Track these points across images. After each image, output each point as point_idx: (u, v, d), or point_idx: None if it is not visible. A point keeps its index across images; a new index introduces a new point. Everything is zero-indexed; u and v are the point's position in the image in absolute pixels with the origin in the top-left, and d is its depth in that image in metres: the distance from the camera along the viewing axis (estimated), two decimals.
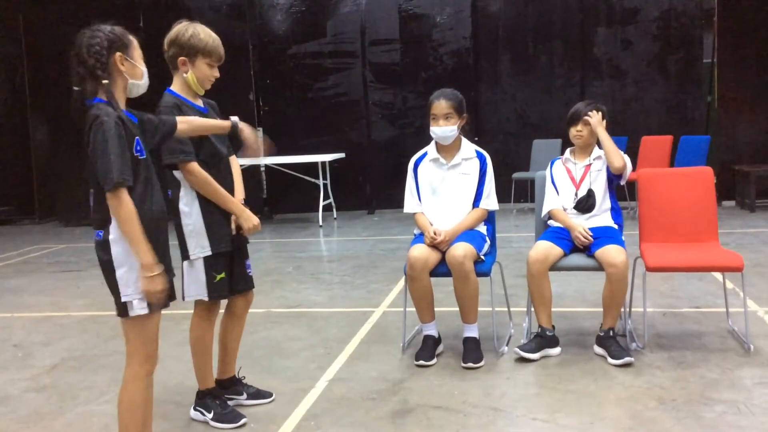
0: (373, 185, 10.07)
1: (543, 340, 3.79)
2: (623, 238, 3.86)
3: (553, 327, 3.85)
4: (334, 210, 9.73)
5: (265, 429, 3.10)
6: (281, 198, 10.28)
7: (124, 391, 2.54)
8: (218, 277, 3.05)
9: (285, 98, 10.13)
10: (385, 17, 9.89)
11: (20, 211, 11.08)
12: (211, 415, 3.15)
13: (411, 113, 9.88)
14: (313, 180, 9.50)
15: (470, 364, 3.67)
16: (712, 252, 3.89)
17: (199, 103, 3.11)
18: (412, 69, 9.90)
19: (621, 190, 4.09)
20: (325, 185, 9.47)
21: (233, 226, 3.10)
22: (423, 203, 3.98)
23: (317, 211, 9.24)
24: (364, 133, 10.09)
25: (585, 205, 3.93)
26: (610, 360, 3.62)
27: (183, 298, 3.01)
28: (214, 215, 3.03)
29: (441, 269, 3.75)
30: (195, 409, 3.22)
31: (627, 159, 3.91)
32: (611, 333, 3.73)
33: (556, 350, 3.82)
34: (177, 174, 3.01)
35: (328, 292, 5.62)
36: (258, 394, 3.41)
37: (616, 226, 3.92)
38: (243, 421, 3.13)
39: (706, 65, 9.52)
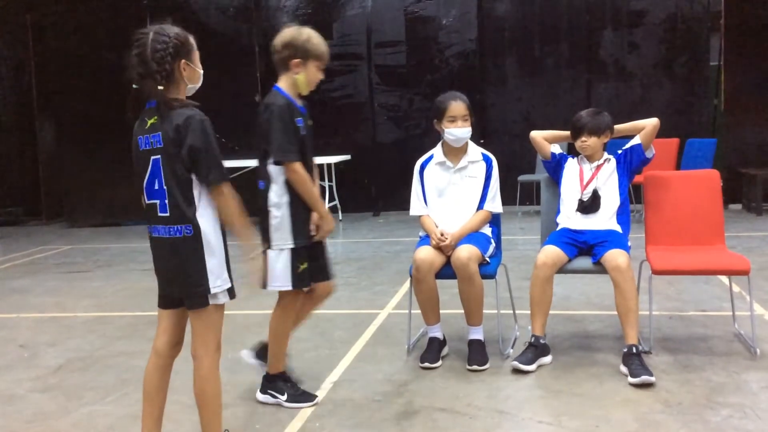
0: (378, 187, 10.07)
1: (537, 349, 3.69)
2: (629, 244, 3.82)
3: (545, 334, 3.78)
4: (340, 212, 9.73)
5: (270, 430, 3.10)
6: None
7: (208, 382, 2.60)
8: (301, 267, 3.20)
9: None
10: (391, 19, 9.89)
11: (27, 212, 11.13)
12: (284, 397, 3.30)
13: (417, 115, 9.88)
14: (318, 182, 9.49)
15: (475, 367, 3.67)
16: (718, 255, 3.88)
17: (301, 104, 3.27)
18: (418, 71, 9.90)
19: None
20: (330, 187, 9.47)
21: (312, 226, 3.24)
22: (429, 206, 3.98)
23: None
24: (369, 135, 10.10)
25: (590, 206, 3.90)
26: (629, 379, 3.41)
27: (265, 287, 3.20)
28: (300, 212, 3.19)
29: (446, 271, 3.74)
30: (265, 393, 3.35)
31: (652, 121, 3.85)
32: (634, 350, 3.51)
33: (549, 358, 3.74)
34: (274, 169, 3.17)
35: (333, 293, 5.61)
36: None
37: (620, 230, 3.88)
38: (317, 399, 3.34)
39: (712, 68, 9.48)
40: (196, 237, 2.49)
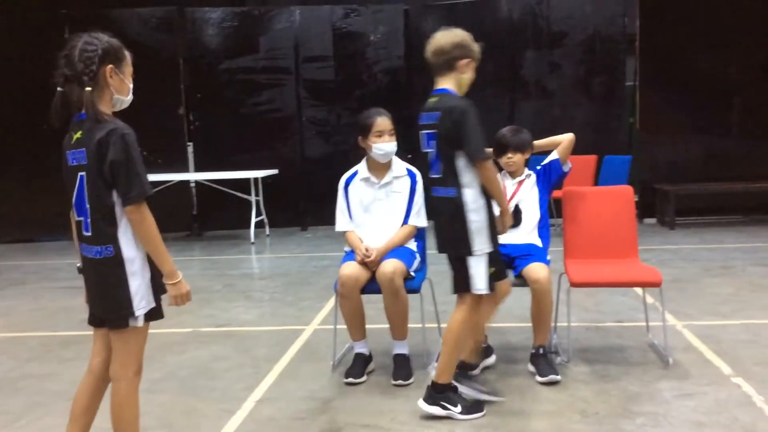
0: (306, 202, 10.01)
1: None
2: (549, 257, 3.93)
3: (486, 337, 3.91)
4: (267, 227, 9.63)
5: None
6: (212, 214, 10.09)
7: (125, 407, 2.51)
8: (492, 270, 3.22)
9: (217, 113, 9.97)
10: (319, 34, 9.90)
11: None
12: (459, 409, 3.21)
13: (345, 130, 9.88)
14: (245, 196, 9.38)
15: (400, 381, 3.68)
16: (631, 268, 4.03)
17: None
18: (346, 86, 9.92)
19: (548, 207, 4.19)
20: (257, 201, 9.36)
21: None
22: (354, 222, 3.98)
23: (249, 227, 9.12)
24: (297, 150, 10.04)
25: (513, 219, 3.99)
26: (537, 378, 3.67)
27: (469, 290, 3.22)
28: (493, 215, 3.19)
29: (372, 286, 3.75)
30: (434, 405, 3.22)
31: (567, 136, 4.01)
32: (542, 351, 3.77)
33: (492, 359, 3.94)
34: (468, 173, 3.15)
35: (258, 310, 5.54)
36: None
37: (540, 244, 3.99)
38: (485, 410, 3.28)
39: (628, 87, 9.90)
40: (116, 258, 2.41)
